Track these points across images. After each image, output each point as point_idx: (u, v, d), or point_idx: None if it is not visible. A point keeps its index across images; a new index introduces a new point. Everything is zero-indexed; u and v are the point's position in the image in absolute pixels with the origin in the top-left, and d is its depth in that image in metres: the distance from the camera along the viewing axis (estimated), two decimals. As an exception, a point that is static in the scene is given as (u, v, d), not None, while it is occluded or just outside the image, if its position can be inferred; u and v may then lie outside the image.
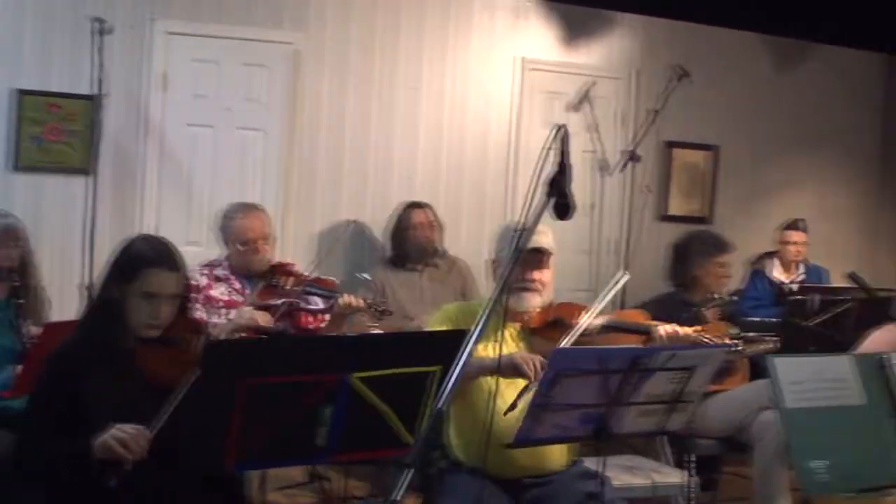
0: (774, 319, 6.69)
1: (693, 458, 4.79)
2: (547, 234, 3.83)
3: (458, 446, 3.78)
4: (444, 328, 3.73)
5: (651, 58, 7.89)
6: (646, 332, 4.00)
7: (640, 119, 7.79)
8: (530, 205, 2.57)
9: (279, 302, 4.75)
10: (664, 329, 3.94)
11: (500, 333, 3.46)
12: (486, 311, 2.33)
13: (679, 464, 4.92)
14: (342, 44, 7.01)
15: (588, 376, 3.09)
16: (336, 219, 6.95)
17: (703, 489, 5.26)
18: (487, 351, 3.61)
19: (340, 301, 4.73)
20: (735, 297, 6.03)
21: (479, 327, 2.31)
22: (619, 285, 4.00)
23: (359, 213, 7.00)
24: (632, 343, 3.90)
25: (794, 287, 7.34)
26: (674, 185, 8.10)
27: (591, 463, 3.92)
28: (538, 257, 3.78)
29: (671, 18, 7.94)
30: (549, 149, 2.56)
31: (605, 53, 7.82)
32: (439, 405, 2.15)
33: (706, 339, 3.95)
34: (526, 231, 3.77)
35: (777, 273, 7.54)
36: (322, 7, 6.94)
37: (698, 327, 4.08)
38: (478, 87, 7.42)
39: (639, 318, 4.21)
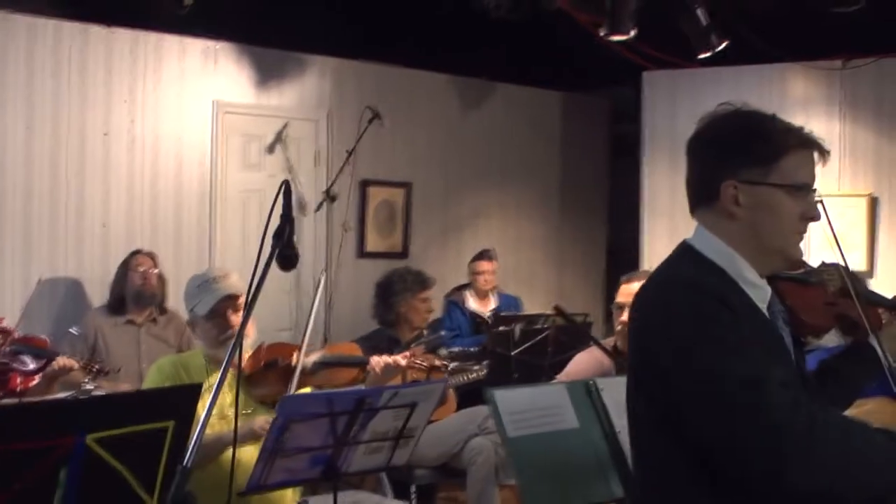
0: (473, 348, 7.02)
1: (414, 488, 4.92)
2: (235, 274, 3.89)
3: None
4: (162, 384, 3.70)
5: (343, 99, 8.05)
6: (362, 364, 4.14)
7: (335, 159, 7.93)
8: (258, 257, 2.62)
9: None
10: (378, 360, 4.09)
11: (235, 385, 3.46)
12: (225, 366, 2.36)
13: (399, 495, 5.05)
14: (27, 86, 6.64)
15: (317, 419, 3.16)
16: (30, 269, 6.63)
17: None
18: (205, 400, 3.58)
19: (55, 363, 4.61)
20: (443, 333, 6.26)
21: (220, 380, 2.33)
22: (321, 289, 4.11)
23: (51, 262, 6.72)
24: (350, 377, 4.02)
25: (489, 316, 7.72)
26: (371, 223, 8.28)
27: (315, 501, 4.00)
28: (234, 302, 3.80)
29: (360, 60, 8.15)
30: (275, 203, 2.63)
31: (298, 95, 7.90)
32: (185, 463, 2.15)
33: (417, 364, 4.14)
34: (219, 278, 3.83)
35: (472, 304, 7.88)
36: (4, 47, 6.56)
37: (407, 353, 4.27)
38: (172, 131, 7.22)
39: (352, 350, 4.34)
